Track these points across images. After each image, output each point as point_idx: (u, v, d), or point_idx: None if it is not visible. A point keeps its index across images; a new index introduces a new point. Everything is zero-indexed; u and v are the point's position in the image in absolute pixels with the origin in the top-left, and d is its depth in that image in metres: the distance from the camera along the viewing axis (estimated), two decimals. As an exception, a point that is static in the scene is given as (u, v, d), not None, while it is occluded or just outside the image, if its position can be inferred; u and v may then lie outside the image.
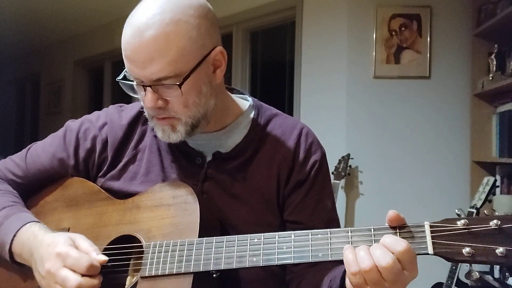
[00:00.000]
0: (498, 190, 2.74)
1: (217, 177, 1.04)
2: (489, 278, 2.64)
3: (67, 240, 0.93)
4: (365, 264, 0.75)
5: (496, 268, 2.61)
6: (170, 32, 0.89)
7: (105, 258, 0.91)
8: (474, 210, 2.40)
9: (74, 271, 0.88)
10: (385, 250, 0.76)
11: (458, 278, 2.42)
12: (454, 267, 2.42)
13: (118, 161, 1.09)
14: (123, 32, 0.93)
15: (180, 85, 0.91)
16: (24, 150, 1.15)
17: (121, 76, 0.97)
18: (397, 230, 0.79)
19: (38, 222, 1.02)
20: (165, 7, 0.90)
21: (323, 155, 1.09)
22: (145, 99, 0.94)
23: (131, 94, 1.00)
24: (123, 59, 0.95)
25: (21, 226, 0.99)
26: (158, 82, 0.92)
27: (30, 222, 1.01)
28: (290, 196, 1.05)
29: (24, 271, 1.03)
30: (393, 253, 0.75)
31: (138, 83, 0.94)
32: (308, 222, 1.03)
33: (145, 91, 0.94)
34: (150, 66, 0.90)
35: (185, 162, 1.06)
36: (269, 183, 1.04)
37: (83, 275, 0.88)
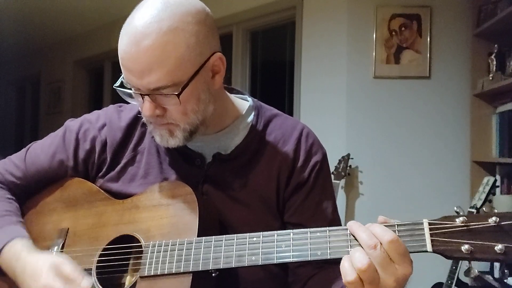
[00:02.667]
0: (498, 190, 2.73)
1: (217, 178, 1.03)
2: (489, 278, 2.63)
3: (50, 268, 0.92)
4: (362, 263, 0.75)
5: (496, 267, 2.61)
6: (168, 41, 0.87)
7: (89, 283, 0.90)
8: (474, 210, 2.40)
9: None
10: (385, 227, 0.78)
11: (458, 278, 2.41)
12: (454, 267, 2.41)
13: (117, 162, 1.08)
14: (120, 41, 0.91)
15: (178, 95, 0.89)
16: (23, 151, 1.15)
17: (118, 83, 0.95)
18: (396, 228, 0.79)
19: (23, 238, 1.01)
20: (162, 15, 0.88)
21: (324, 156, 1.08)
22: (143, 108, 0.93)
23: (129, 101, 0.99)
24: None
25: (5, 244, 0.99)
26: (156, 91, 0.90)
27: (14, 238, 1.00)
28: (290, 198, 1.05)
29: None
30: (381, 243, 0.76)
31: (135, 91, 0.93)
32: (309, 224, 1.02)
33: (143, 99, 0.92)
34: (148, 76, 0.88)
35: (184, 164, 1.05)
36: (269, 185, 1.04)
37: None
